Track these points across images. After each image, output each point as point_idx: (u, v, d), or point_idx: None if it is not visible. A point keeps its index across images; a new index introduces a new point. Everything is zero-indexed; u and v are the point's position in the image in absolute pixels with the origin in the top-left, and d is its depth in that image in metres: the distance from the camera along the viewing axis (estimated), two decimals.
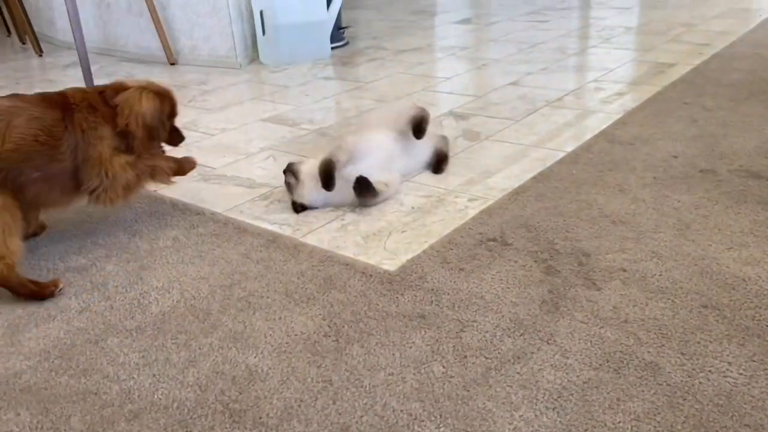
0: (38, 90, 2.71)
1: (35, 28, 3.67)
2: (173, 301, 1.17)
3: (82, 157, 1.28)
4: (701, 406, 0.86)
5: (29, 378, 1.00)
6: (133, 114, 1.33)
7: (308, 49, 2.95)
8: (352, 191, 1.45)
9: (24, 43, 3.82)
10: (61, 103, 1.29)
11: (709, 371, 0.92)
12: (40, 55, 3.51)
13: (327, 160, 1.44)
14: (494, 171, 1.63)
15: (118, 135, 1.33)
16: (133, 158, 1.35)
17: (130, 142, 1.35)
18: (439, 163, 1.65)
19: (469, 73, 2.60)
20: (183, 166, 1.47)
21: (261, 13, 2.84)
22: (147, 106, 1.35)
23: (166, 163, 1.43)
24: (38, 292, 1.21)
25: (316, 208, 1.48)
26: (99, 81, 2.81)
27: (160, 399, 0.94)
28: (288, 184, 1.53)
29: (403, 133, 1.60)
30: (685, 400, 0.87)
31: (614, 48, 2.84)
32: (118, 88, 1.36)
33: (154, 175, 1.40)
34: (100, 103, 1.33)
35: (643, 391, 0.89)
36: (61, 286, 1.24)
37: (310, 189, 1.47)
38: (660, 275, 1.15)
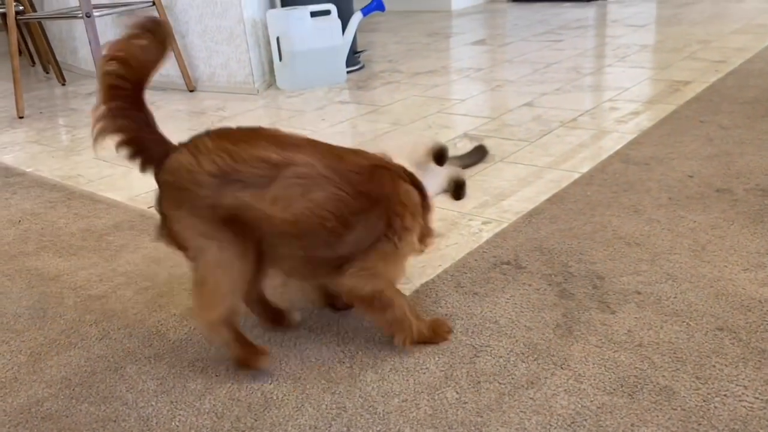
0: (61, 120, 2.77)
1: (58, 58, 3.76)
2: (190, 328, 1.19)
3: (367, 247, 0.99)
4: None
5: (51, 406, 1.02)
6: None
7: (324, 73, 2.99)
8: None
9: (48, 73, 3.92)
10: (378, 189, 0.98)
11: (725, 395, 0.91)
12: (63, 84, 3.59)
13: None
14: (508, 193, 1.64)
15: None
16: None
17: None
18: (457, 189, 1.65)
19: (483, 95, 2.62)
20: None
21: (277, 39, 2.89)
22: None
23: (417, 324, 1.07)
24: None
25: None
26: None
27: (178, 426, 0.95)
28: None
29: (419, 165, 1.60)
30: (700, 425, 0.87)
31: (629, 66, 2.84)
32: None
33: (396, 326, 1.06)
34: (415, 196, 1.03)
35: (657, 416, 0.89)
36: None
37: None
38: (675, 297, 1.14)
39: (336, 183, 0.95)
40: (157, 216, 1.00)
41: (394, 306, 1.03)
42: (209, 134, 0.97)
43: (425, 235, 1.06)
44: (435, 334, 1.08)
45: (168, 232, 0.99)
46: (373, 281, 1.00)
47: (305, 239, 0.97)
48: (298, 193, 0.93)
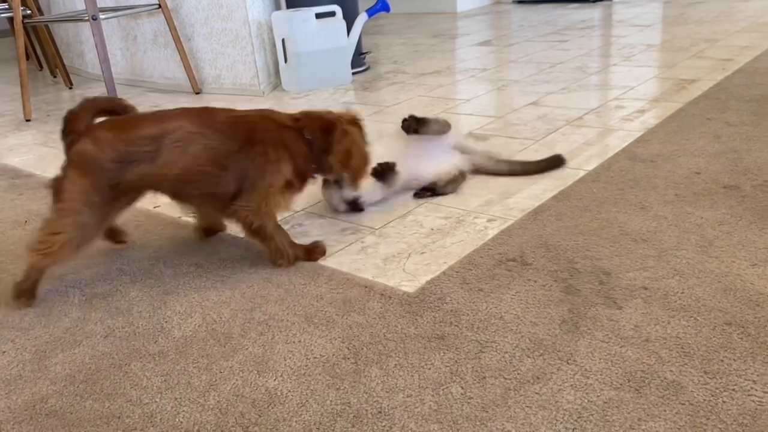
0: None
1: (65, 62, 3.78)
2: (195, 325, 1.19)
3: (249, 183, 1.29)
4: (725, 426, 0.84)
5: (55, 402, 1.02)
6: (356, 158, 1.38)
7: (329, 75, 2.99)
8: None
9: (55, 77, 3.94)
10: (245, 134, 1.29)
11: (733, 390, 0.90)
12: (70, 88, 3.61)
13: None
14: (514, 191, 1.63)
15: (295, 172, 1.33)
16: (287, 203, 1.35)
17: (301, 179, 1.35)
18: (426, 189, 1.67)
19: (488, 95, 2.61)
20: (310, 256, 1.40)
21: (283, 41, 2.89)
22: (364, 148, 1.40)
23: (292, 250, 1.37)
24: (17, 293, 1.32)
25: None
26: None
27: (182, 422, 0.95)
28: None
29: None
30: (708, 419, 0.86)
31: (635, 66, 2.83)
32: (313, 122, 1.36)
33: (277, 252, 1.36)
34: (293, 140, 1.33)
35: (665, 410, 0.88)
36: None
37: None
38: (682, 293, 1.14)
39: (206, 136, 1.26)
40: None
41: (275, 239, 1.34)
42: (104, 125, 1.27)
43: (302, 178, 1.36)
44: (309, 257, 1.39)
45: (57, 183, 1.25)
46: (258, 217, 1.30)
47: (194, 183, 1.28)
48: (177, 153, 1.25)
